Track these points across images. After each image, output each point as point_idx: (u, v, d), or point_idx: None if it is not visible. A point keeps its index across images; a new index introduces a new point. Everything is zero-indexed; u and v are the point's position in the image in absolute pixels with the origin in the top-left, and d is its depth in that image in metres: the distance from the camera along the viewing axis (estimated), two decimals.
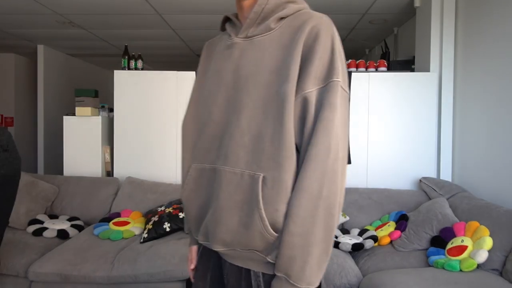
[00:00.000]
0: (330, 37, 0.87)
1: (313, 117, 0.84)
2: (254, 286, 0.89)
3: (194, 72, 3.20)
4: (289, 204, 0.83)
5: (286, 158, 0.84)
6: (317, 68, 0.85)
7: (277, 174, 0.84)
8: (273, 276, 0.85)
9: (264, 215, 0.83)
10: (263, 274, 0.88)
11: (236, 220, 0.87)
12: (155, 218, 2.58)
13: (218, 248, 0.91)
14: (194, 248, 1.11)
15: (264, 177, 0.85)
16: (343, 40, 4.80)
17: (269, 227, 0.83)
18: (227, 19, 1.04)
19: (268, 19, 0.92)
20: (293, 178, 0.84)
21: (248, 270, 0.90)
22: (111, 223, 2.67)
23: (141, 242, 2.46)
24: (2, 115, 5.45)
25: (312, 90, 0.85)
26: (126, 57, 3.37)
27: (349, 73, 3.08)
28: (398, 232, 2.43)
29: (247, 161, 0.87)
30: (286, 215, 0.82)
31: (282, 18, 0.93)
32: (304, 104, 0.85)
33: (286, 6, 0.93)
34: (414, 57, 3.37)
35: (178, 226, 2.53)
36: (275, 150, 0.85)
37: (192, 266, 1.10)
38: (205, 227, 0.94)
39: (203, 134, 0.98)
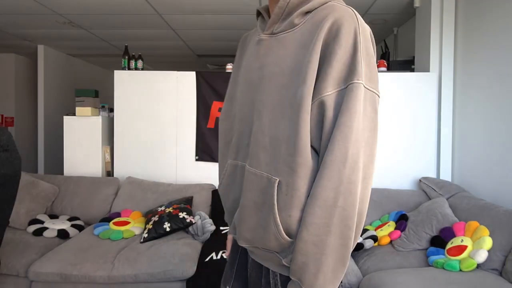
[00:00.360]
0: (352, 33, 0.79)
1: (331, 122, 0.78)
2: (272, 284, 0.90)
3: (194, 72, 3.21)
4: (304, 211, 0.80)
5: (299, 165, 0.81)
6: (336, 69, 0.78)
7: (291, 180, 0.82)
8: (289, 278, 0.85)
9: (278, 220, 0.83)
10: (280, 274, 0.89)
11: (255, 221, 0.88)
12: (155, 218, 2.58)
13: (242, 244, 0.94)
14: (230, 237, 1.16)
15: (279, 182, 0.83)
16: None
17: (283, 232, 0.83)
18: (260, 13, 0.99)
19: (293, 14, 0.87)
20: (309, 184, 0.81)
21: (268, 268, 0.91)
22: (111, 223, 2.67)
23: (141, 242, 2.47)
24: (2, 115, 5.46)
25: (330, 93, 0.79)
26: (126, 57, 3.37)
27: None
28: (398, 232, 2.43)
29: (267, 164, 0.86)
30: (301, 221, 0.80)
31: (307, 13, 0.86)
32: (321, 108, 0.79)
33: (313, 0, 0.86)
34: (414, 57, 3.37)
35: (178, 226, 2.53)
36: (290, 155, 0.82)
37: (227, 254, 1.15)
38: (234, 222, 0.97)
39: (235, 131, 0.99)
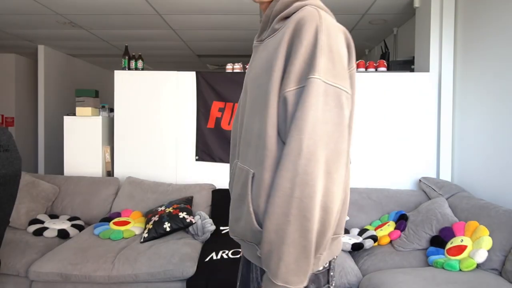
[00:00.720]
0: (313, 31, 0.82)
1: (291, 117, 0.82)
2: (254, 278, 0.92)
3: (194, 72, 3.21)
4: (268, 201, 0.84)
5: (265, 157, 0.86)
6: (297, 66, 0.83)
7: (259, 171, 0.87)
8: None
9: (251, 209, 0.88)
10: (261, 268, 0.91)
11: (239, 212, 0.94)
12: (155, 218, 2.58)
13: (231, 235, 0.99)
14: None
15: (253, 174, 0.89)
16: None
17: (254, 221, 0.88)
18: None
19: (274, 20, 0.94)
20: (273, 176, 0.85)
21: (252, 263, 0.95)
22: (111, 222, 2.68)
23: (141, 242, 2.47)
24: (3, 115, 5.46)
25: (291, 89, 0.83)
26: (127, 57, 3.37)
27: None
28: (398, 232, 2.43)
29: (247, 158, 0.92)
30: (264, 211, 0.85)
31: (286, 18, 0.91)
32: (284, 104, 0.84)
33: (291, 5, 0.91)
34: (413, 57, 3.38)
35: (178, 226, 2.54)
36: (259, 148, 0.88)
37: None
38: None
39: (238, 134, 1.06)
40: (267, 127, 0.86)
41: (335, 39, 0.84)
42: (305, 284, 0.81)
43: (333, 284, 0.98)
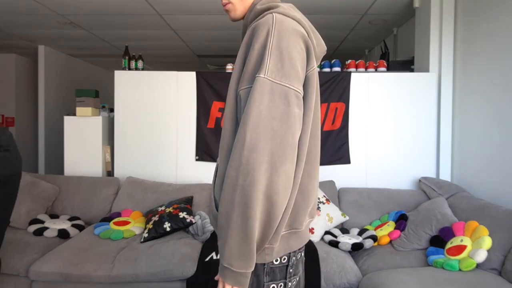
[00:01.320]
0: (264, 34, 0.89)
1: (243, 112, 0.89)
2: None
3: (194, 72, 3.21)
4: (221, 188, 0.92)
5: (222, 149, 0.96)
6: (250, 67, 0.90)
7: (222, 164, 0.95)
8: None
9: (212, 197, 0.99)
10: None
11: (211, 203, 1.02)
12: (156, 218, 2.59)
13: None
14: None
15: (218, 165, 0.99)
16: (343, 41, 4.81)
17: (214, 208, 0.97)
18: None
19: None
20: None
21: None
22: (111, 222, 2.68)
23: (141, 242, 2.47)
24: (3, 115, 5.47)
25: (244, 88, 0.90)
26: (127, 57, 3.38)
27: (349, 73, 3.09)
28: (398, 232, 2.44)
29: (219, 152, 1.00)
30: None
31: None
32: (240, 101, 0.91)
33: (261, 14, 0.98)
34: (413, 57, 3.38)
35: (178, 226, 2.54)
36: (222, 142, 0.97)
37: None
38: None
39: None
40: (225, 121, 0.96)
41: (286, 42, 0.89)
42: (249, 270, 0.86)
43: (293, 282, 0.99)
